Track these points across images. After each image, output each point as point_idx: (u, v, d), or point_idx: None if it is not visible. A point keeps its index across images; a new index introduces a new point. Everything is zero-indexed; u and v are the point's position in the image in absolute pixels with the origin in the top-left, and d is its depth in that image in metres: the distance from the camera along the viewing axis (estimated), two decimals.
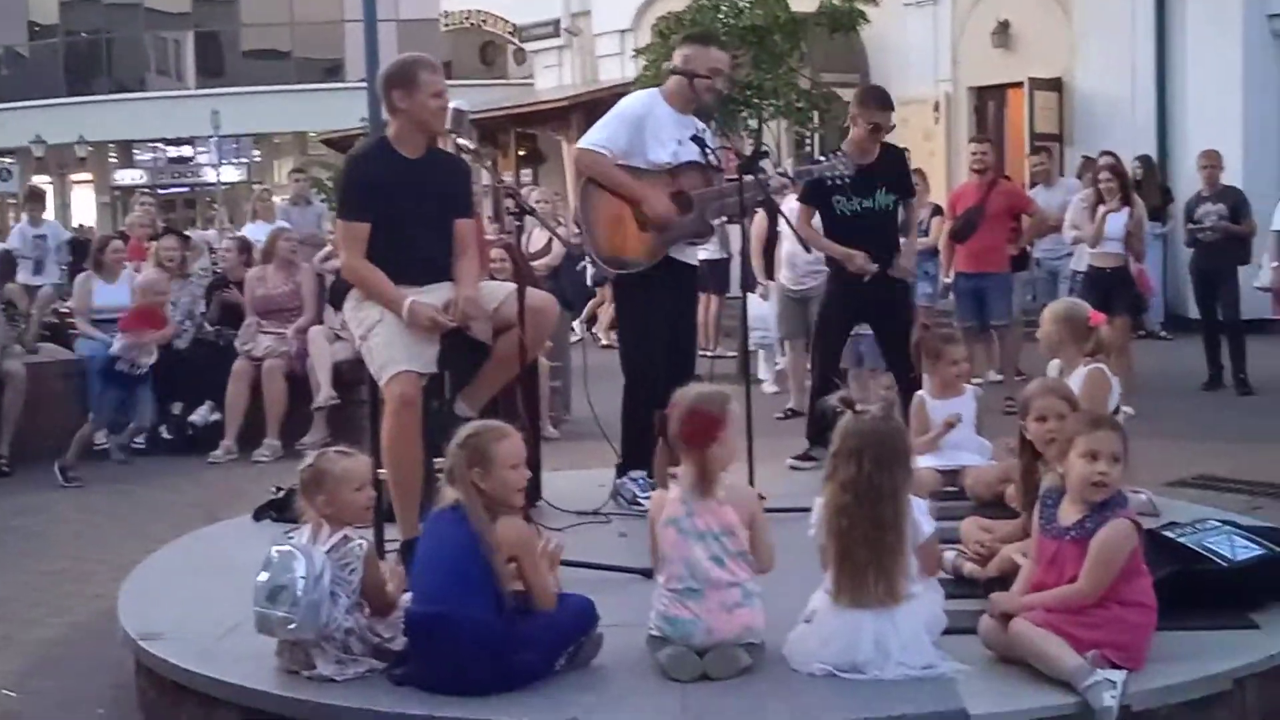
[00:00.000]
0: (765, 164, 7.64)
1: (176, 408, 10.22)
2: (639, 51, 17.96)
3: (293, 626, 3.97)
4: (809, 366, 10.72)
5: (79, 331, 10.48)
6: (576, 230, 6.39)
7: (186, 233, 15.29)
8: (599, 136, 6.31)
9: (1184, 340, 13.17)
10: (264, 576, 4.04)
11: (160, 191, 43.07)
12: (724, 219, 7.00)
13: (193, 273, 10.98)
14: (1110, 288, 10.24)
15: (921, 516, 4.02)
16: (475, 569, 3.93)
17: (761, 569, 4.07)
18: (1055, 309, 6.03)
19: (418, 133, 5.40)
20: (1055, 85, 17.17)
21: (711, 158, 6.42)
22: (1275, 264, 10.06)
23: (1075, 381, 5.52)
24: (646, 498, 6.10)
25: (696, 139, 6.34)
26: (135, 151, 46.38)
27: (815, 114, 17.44)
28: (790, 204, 9.92)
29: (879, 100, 7.56)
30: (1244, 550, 4.58)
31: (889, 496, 3.92)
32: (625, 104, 6.46)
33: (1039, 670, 3.86)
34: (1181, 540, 4.62)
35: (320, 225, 13.61)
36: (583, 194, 6.30)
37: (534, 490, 5.93)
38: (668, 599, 4.00)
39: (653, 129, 6.29)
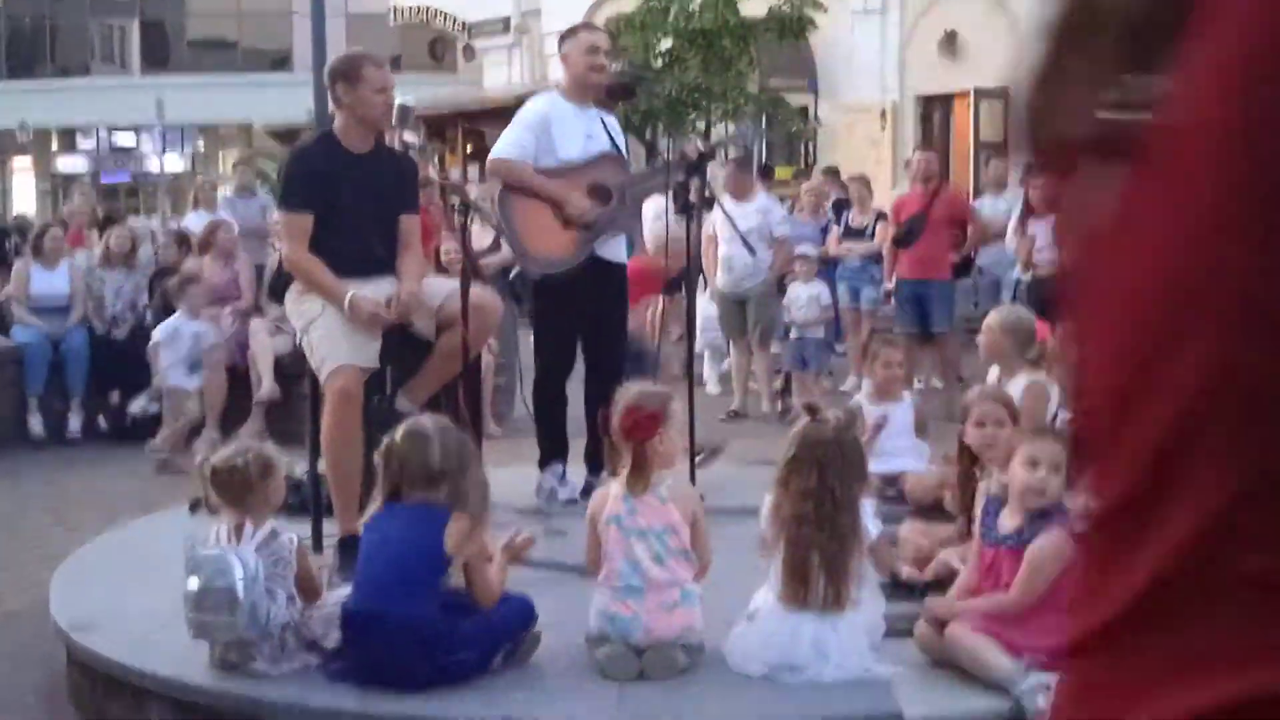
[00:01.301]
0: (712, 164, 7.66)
1: (114, 397, 10.11)
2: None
3: (239, 629, 3.93)
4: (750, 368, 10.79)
5: (15, 319, 10.33)
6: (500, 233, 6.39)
7: (130, 222, 15.20)
8: (508, 143, 6.32)
9: None
10: (195, 584, 3.96)
11: (103, 180, 42.74)
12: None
13: (136, 263, 10.86)
14: (1051, 295, 10.31)
15: (869, 519, 4.04)
16: (421, 566, 3.92)
17: (702, 568, 4.08)
18: (1002, 318, 6.02)
19: (362, 127, 5.37)
20: (1002, 95, 17.30)
21: (619, 143, 6.51)
22: None
23: (1014, 389, 5.56)
24: (566, 490, 6.14)
25: (605, 126, 6.43)
26: (78, 139, 45.89)
27: (763, 118, 17.54)
28: (726, 206, 9.98)
29: None
30: None
31: (846, 507, 3.94)
32: (526, 109, 6.47)
33: (974, 674, 3.88)
34: None
35: (264, 216, 13.49)
36: (501, 201, 6.28)
37: None
38: (607, 597, 3.99)
39: (558, 128, 6.31)
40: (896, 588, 4.72)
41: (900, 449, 6.32)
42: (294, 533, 4.19)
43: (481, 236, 9.77)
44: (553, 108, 6.40)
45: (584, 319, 6.40)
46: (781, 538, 3.96)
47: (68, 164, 45.46)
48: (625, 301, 6.99)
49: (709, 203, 8.13)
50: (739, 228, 8.40)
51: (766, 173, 15.13)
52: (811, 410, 4.07)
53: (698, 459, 6.26)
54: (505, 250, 9.48)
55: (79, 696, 4.60)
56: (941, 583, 4.42)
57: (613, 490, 4.06)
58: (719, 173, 10.87)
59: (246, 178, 14.59)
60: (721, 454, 6.71)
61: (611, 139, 6.48)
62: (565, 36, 6.73)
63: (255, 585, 3.93)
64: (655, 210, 11.11)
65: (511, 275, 8.76)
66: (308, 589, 4.11)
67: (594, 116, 6.47)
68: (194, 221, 12.89)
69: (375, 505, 4.10)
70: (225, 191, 14.80)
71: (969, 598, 4.09)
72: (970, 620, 3.95)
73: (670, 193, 6.42)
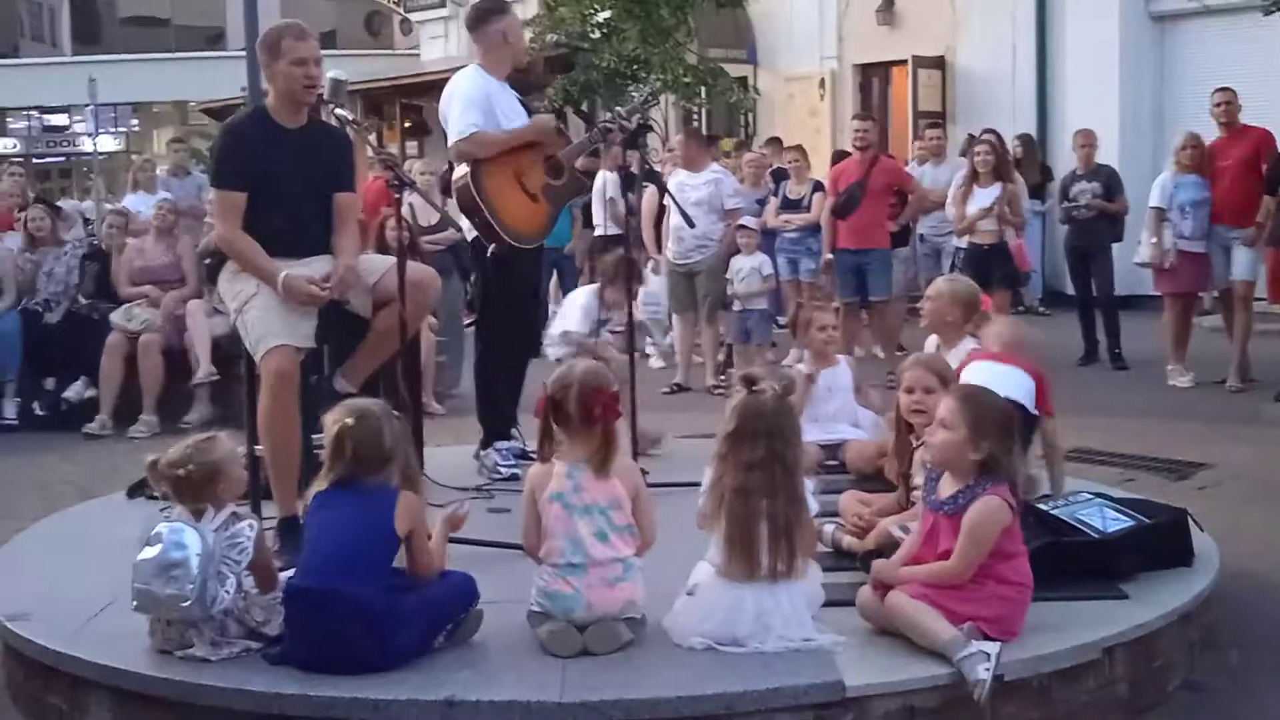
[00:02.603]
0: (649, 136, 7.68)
1: (49, 383, 10.00)
2: (526, 23, 17.85)
3: (186, 604, 3.89)
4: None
5: None
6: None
7: (59, 203, 14.97)
8: (467, 122, 6.25)
9: (1061, 315, 13.41)
10: (151, 553, 3.93)
11: (35, 161, 42.12)
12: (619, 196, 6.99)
13: (67, 242, 10.70)
14: (988, 263, 10.38)
15: (809, 496, 4.05)
16: (375, 547, 3.90)
17: (644, 543, 4.08)
18: (952, 288, 5.99)
19: (288, 102, 5.30)
20: (939, 64, 17.35)
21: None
22: (1154, 240, 10.27)
23: (953, 358, 5.58)
24: (509, 465, 6.13)
25: (521, 102, 6.47)
26: (8, 120, 45.27)
27: (702, 89, 17.51)
28: (678, 178, 9.96)
29: None
30: (1114, 522, 4.68)
31: (793, 473, 3.95)
32: (465, 88, 6.36)
33: (915, 642, 3.91)
34: (1054, 513, 4.71)
35: (200, 196, 13.33)
36: (473, 179, 6.19)
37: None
38: (549, 574, 3.99)
39: (498, 103, 6.32)
40: (838, 556, 4.75)
41: (839, 414, 6.35)
42: (255, 519, 4.15)
43: (426, 214, 9.73)
44: (488, 84, 6.37)
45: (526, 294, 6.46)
46: (723, 511, 3.96)
47: None
48: (543, 275, 7.07)
49: (650, 175, 8.12)
50: (689, 199, 8.43)
51: (712, 141, 15.11)
52: (749, 381, 4.07)
53: (650, 452, 6.31)
54: (450, 230, 9.48)
55: (15, 687, 4.54)
56: (882, 552, 4.43)
57: (556, 468, 4.04)
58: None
59: (181, 157, 14.44)
60: (662, 444, 6.75)
61: (527, 111, 6.51)
62: (493, 13, 6.57)
63: (209, 564, 3.90)
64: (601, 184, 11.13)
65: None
66: (264, 577, 4.07)
67: (511, 92, 6.48)
68: (134, 203, 12.74)
69: (321, 485, 4.06)
70: (160, 171, 14.63)
71: (911, 565, 4.10)
72: (910, 588, 3.98)
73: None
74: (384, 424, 4.00)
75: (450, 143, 6.37)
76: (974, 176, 10.72)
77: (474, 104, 6.29)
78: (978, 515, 3.95)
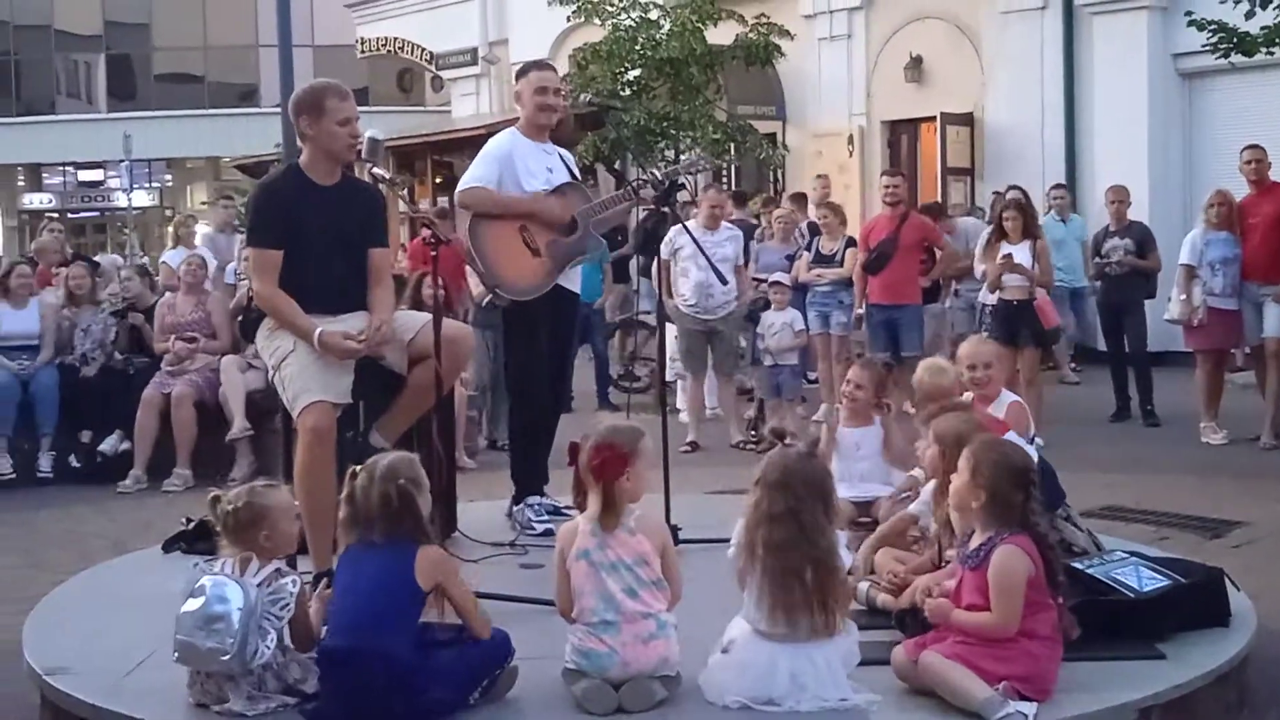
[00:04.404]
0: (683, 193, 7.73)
1: (85, 436, 10.06)
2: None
3: (226, 658, 3.91)
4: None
5: None
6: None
7: (98, 258, 15.10)
8: (474, 176, 6.43)
9: (1093, 372, 13.39)
10: (194, 605, 3.96)
11: (70, 216, 42.61)
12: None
13: (103, 300, 10.79)
14: (1017, 320, 10.36)
15: (844, 550, 4.05)
16: (395, 602, 3.91)
17: (673, 597, 4.08)
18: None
19: (328, 160, 5.36)
20: (967, 120, 17.40)
21: (575, 173, 6.65)
22: (1183, 297, 10.27)
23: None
24: (544, 520, 6.14)
25: (563, 160, 6.58)
26: (44, 175, 45.78)
27: (731, 145, 17.58)
28: (702, 234, 9.97)
29: None
30: (1150, 581, 4.66)
31: (815, 530, 3.95)
32: (490, 144, 6.58)
33: (951, 702, 3.89)
34: (1090, 571, 4.70)
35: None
36: (472, 232, 6.36)
37: (449, 521, 5.92)
38: (582, 632, 3.99)
39: (520, 162, 6.43)
40: (873, 614, 4.74)
41: (870, 473, 6.34)
42: (297, 576, 4.17)
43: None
44: (515, 144, 6.51)
45: (549, 347, 6.49)
46: (756, 566, 3.96)
47: (35, 200, 45.31)
48: (575, 332, 7.07)
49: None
50: (713, 256, 8.43)
51: (740, 199, 15.18)
52: (779, 436, 4.09)
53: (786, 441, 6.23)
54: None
55: None
56: (916, 610, 4.42)
57: (580, 526, 4.06)
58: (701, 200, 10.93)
59: (227, 214, 14.47)
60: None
61: (571, 172, 6.61)
62: (518, 75, 6.85)
63: (251, 619, 3.92)
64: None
65: (483, 304, 8.78)
66: (303, 635, 4.08)
67: (552, 151, 6.61)
68: (173, 258, 12.85)
69: (344, 544, 4.09)
70: (204, 227, 14.71)
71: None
72: (943, 648, 3.97)
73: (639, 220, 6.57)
74: (397, 481, 3.99)
75: (457, 189, 6.54)
76: (1001, 234, 10.72)
77: (491, 160, 6.44)
78: (997, 565, 3.96)
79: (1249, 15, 10.05)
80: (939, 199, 16.65)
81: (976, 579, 4.02)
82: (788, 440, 4.08)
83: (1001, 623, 3.95)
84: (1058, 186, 14.48)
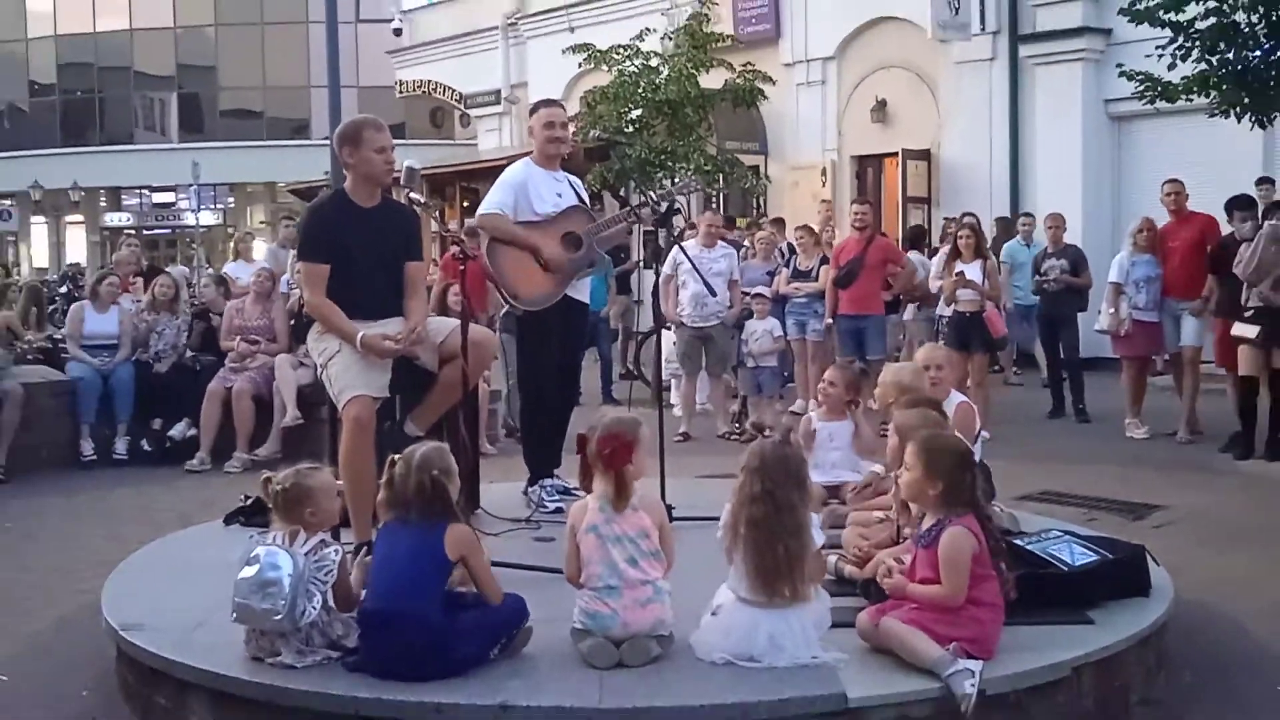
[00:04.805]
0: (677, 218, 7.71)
1: (156, 424, 10.05)
2: (569, 119, 18.00)
3: (278, 618, 3.90)
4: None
5: (70, 355, 10.26)
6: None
7: (169, 269, 15.10)
8: (492, 201, 6.42)
9: (1031, 376, 13.39)
10: (250, 572, 3.96)
11: (145, 232, 42.66)
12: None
13: (180, 309, 10.78)
14: (970, 329, 10.38)
15: (816, 529, 4.05)
16: (423, 571, 3.91)
17: (666, 566, 4.08)
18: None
19: (367, 184, 5.35)
20: (925, 155, 17.40)
21: (582, 197, 6.63)
22: (1112, 310, 10.28)
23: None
24: (555, 500, 6.14)
25: (571, 185, 6.56)
26: (123, 197, 45.84)
27: (720, 176, 17.58)
28: (696, 251, 9.97)
29: None
30: (1082, 556, 4.66)
31: (788, 509, 3.95)
32: (506, 173, 6.56)
33: (907, 660, 3.89)
34: (1029, 547, 4.69)
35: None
36: (489, 251, 6.37)
37: (473, 500, 5.91)
38: (588, 596, 3.99)
39: (533, 188, 6.41)
40: (840, 583, 4.74)
41: (841, 462, 6.33)
42: (339, 546, 4.16)
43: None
44: (528, 172, 6.49)
45: (557, 350, 6.47)
46: (739, 541, 3.96)
47: (114, 219, 45.33)
48: (584, 337, 7.04)
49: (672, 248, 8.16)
50: (710, 270, 8.45)
51: (730, 222, 15.20)
52: (759, 428, 4.12)
53: (765, 433, 6.21)
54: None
55: (127, 689, 4.55)
56: (878, 580, 4.41)
57: (590, 504, 4.06)
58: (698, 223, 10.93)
59: (289, 233, 14.49)
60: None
61: (578, 195, 6.59)
62: (530, 112, 6.83)
63: (300, 583, 3.92)
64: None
65: (502, 313, 8.76)
66: (344, 597, 4.06)
67: (562, 178, 6.59)
68: (233, 270, 12.84)
69: (383, 520, 4.10)
70: (269, 243, 14.66)
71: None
72: (900, 613, 3.97)
73: (640, 239, 6.56)
74: (431, 471, 3.98)
75: (477, 212, 6.54)
76: (956, 254, 10.74)
77: (506, 185, 6.42)
78: (947, 545, 3.96)
79: (1171, 67, 10.06)
80: (901, 225, 16.68)
81: (928, 556, 4.02)
82: (766, 432, 4.09)
83: (950, 594, 3.94)
84: (1025, 215, 14.32)
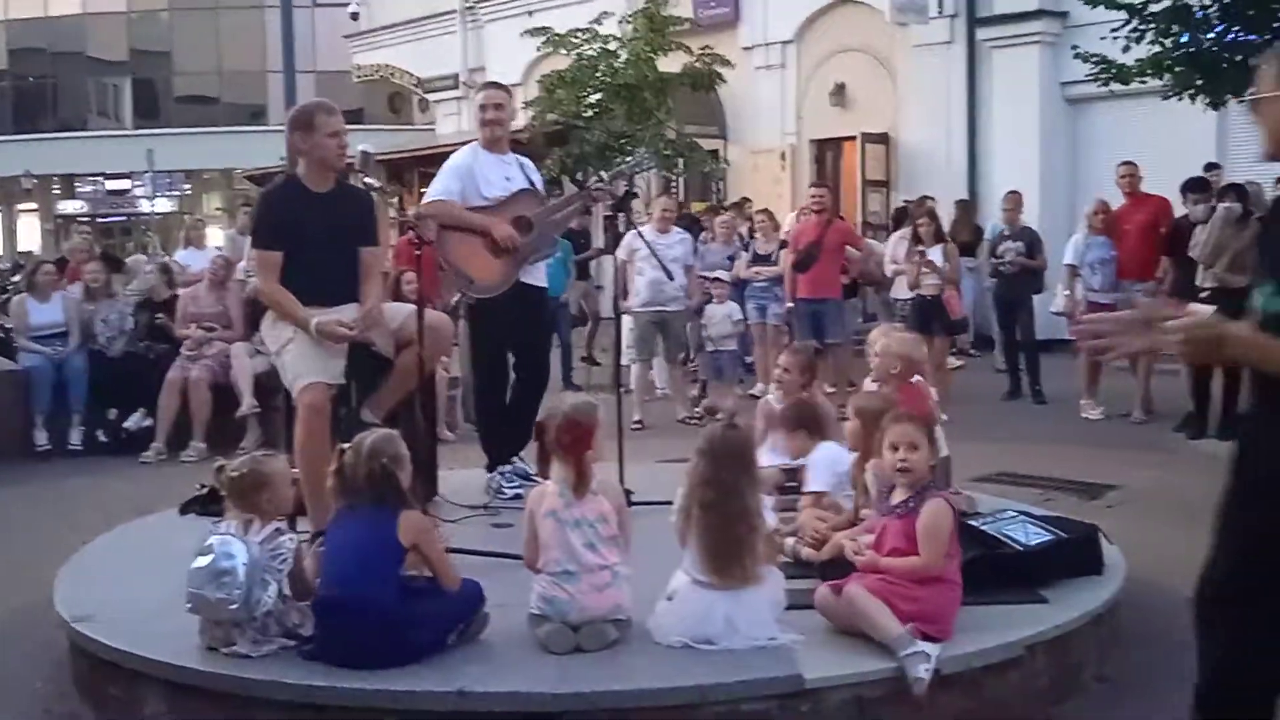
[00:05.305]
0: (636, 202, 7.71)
1: (112, 414, 9.96)
2: (527, 104, 17.92)
3: (233, 607, 3.89)
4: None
5: (20, 346, 10.14)
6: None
7: (129, 259, 14.92)
8: (437, 188, 6.37)
9: (989, 357, 13.47)
10: (203, 561, 3.93)
11: (100, 220, 42.14)
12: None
13: (117, 293, 10.65)
14: (930, 313, 10.44)
15: (767, 511, 4.06)
16: (377, 558, 3.89)
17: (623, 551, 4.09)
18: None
19: (321, 169, 5.31)
20: (883, 139, 17.45)
21: (535, 180, 6.55)
22: (1067, 292, 10.36)
23: None
24: (514, 486, 6.12)
25: (522, 168, 6.49)
26: (77, 184, 45.24)
27: (680, 160, 17.56)
28: (651, 237, 9.95)
29: None
30: (1036, 536, 4.70)
31: (735, 492, 3.96)
32: (451, 159, 6.51)
33: (866, 638, 3.92)
34: (984, 528, 4.73)
35: None
36: (440, 240, 6.29)
37: (431, 487, 5.89)
38: (546, 581, 3.99)
39: (480, 172, 6.37)
40: (798, 565, 4.76)
41: None
42: (294, 535, 4.15)
43: None
44: (474, 157, 6.45)
45: (513, 337, 6.42)
46: (693, 524, 3.97)
47: (68, 206, 44.78)
48: (547, 320, 6.99)
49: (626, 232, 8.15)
50: (666, 256, 8.43)
51: (681, 208, 15.19)
52: (711, 412, 4.13)
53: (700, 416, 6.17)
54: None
55: (81, 681, 4.52)
56: (836, 561, 4.44)
57: (549, 488, 4.06)
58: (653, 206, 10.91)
59: (248, 219, 14.35)
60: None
61: (529, 178, 6.51)
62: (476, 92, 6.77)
63: (254, 572, 3.90)
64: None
65: (455, 301, 8.69)
66: (299, 586, 4.04)
67: (511, 161, 6.53)
68: (185, 257, 12.71)
69: (336, 507, 4.08)
70: (226, 230, 14.51)
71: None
72: (868, 582, 3.98)
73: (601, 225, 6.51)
74: (380, 460, 3.95)
75: (422, 201, 6.49)
76: (917, 239, 10.80)
77: (451, 171, 6.38)
78: (930, 514, 3.98)
79: (1125, 49, 10.13)
80: (861, 208, 16.73)
81: (904, 526, 4.02)
82: (718, 415, 4.10)
83: (927, 564, 3.97)
84: (1011, 193, 14.10)
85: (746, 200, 15.83)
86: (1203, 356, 2.74)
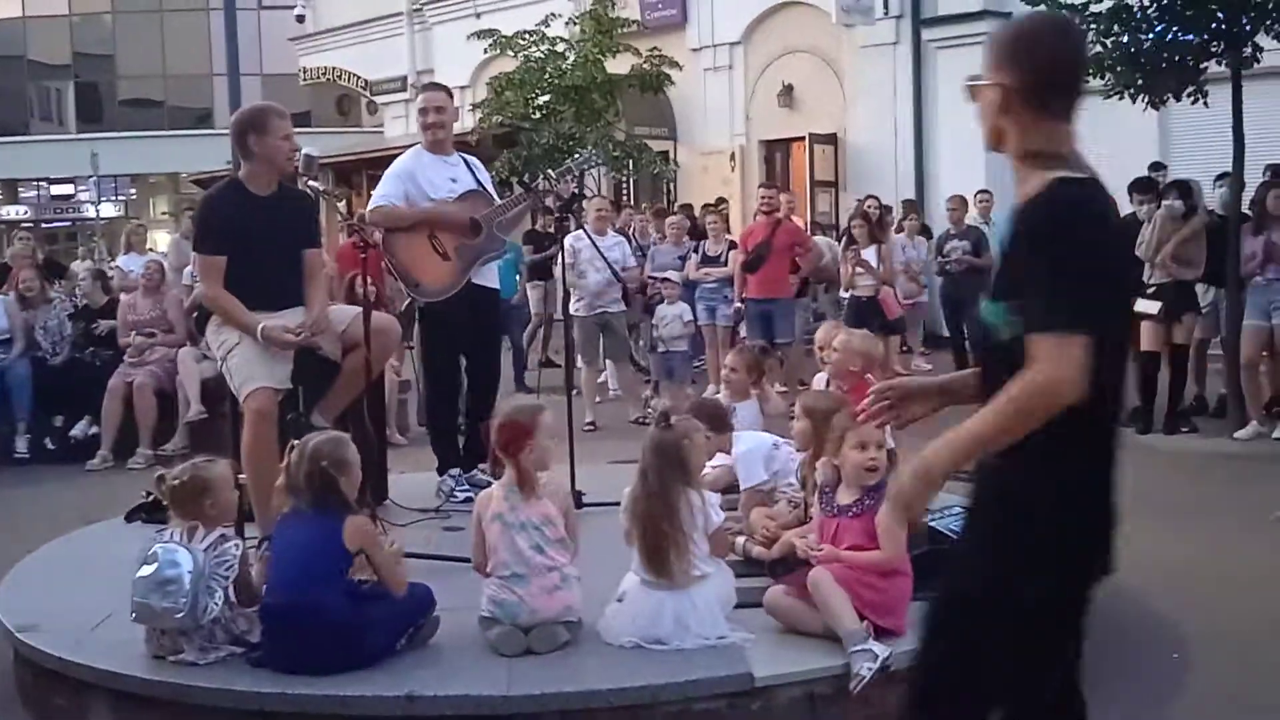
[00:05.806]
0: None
1: (58, 421, 9.84)
2: (475, 105, 17.86)
3: (179, 616, 3.85)
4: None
5: None
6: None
7: (75, 265, 14.72)
8: (381, 194, 6.31)
9: (938, 355, 13.57)
10: (148, 570, 3.89)
11: (44, 226, 41.55)
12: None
13: (54, 298, 10.49)
14: (867, 312, 10.53)
15: (712, 509, 4.07)
16: (325, 563, 3.86)
17: (572, 552, 4.08)
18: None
19: (269, 172, 5.27)
20: (831, 140, 17.55)
21: (483, 180, 6.50)
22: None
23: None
24: (465, 490, 6.08)
25: (469, 168, 6.43)
26: (20, 189, 44.60)
27: (630, 162, 17.59)
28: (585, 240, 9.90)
29: None
30: None
31: (664, 492, 3.99)
32: (395, 164, 6.46)
33: (824, 617, 3.92)
34: (930, 523, 4.75)
35: None
36: (386, 244, 6.21)
37: (381, 490, 5.86)
38: (496, 585, 3.98)
39: (423, 176, 6.31)
40: (748, 564, 4.77)
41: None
42: (239, 541, 4.11)
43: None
44: (417, 160, 6.39)
45: (464, 339, 6.38)
46: (636, 525, 3.99)
47: (11, 212, 44.15)
48: (498, 322, 6.96)
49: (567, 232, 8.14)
50: (608, 258, 8.42)
51: (615, 207, 15.20)
52: (664, 415, 4.15)
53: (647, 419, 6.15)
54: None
55: (26, 691, 4.45)
56: (785, 559, 4.46)
57: (495, 492, 4.05)
58: (589, 207, 10.87)
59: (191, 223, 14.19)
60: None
61: (477, 179, 6.45)
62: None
63: (200, 580, 3.87)
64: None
65: (404, 307, 8.62)
66: (246, 592, 4.01)
67: (456, 162, 6.46)
68: (126, 262, 12.54)
69: (282, 510, 4.05)
70: (171, 234, 14.32)
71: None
72: (835, 568, 3.99)
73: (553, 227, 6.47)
74: (320, 462, 3.92)
75: (367, 207, 6.43)
76: (852, 241, 10.90)
77: (394, 176, 6.33)
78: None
79: None
80: (810, 208, 16.80)
81: (863, 524, 4.04)
82: (661, 418, 4.15)
83: (889, 559, 3.99)
84: (983, 191, 13.75)
85: (723, 200, 15.86)
86: (925, 497, 2.70)
